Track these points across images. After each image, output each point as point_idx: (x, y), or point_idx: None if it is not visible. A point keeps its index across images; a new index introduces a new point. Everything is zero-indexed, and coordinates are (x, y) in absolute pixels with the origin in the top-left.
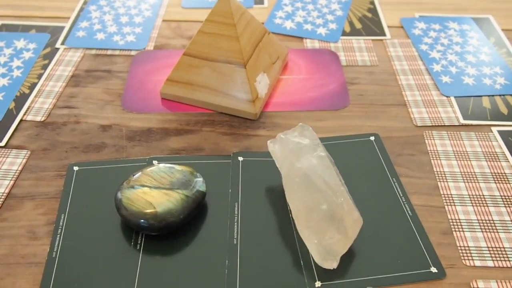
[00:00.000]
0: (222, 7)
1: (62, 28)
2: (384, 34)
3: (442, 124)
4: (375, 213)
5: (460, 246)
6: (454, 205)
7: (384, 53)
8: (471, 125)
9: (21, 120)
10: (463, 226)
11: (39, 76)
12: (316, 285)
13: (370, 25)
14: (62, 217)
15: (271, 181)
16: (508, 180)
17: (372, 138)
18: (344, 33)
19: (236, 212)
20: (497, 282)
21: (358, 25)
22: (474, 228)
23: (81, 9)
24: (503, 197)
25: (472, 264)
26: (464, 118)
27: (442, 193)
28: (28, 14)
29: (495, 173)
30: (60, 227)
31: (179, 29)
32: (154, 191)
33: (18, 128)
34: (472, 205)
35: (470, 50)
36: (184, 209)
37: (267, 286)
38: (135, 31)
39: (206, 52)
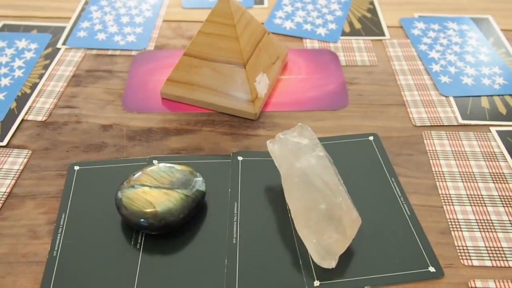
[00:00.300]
0: (222, 8)
1: (63, 28)
2: (383, 34)
3: (441, 124)
4: (374, 213)
5: (458, 246)
6: (453, 205)
7: (384, 53)
8: (470, 125)
9: (22, 120)
10: (461, 226)
11: (41, 76)
12: (315, 284)
13: (370, 25)
14: (63, 216)
15: (271, 181)
16: (507, 180)
17: (371, 138)
18: (344, 33)
19: (235, 212)
20: (495, 281)
21: (357, 25)
22: (472, 228)
23: (82, 9)
24: (502, 197)
25: (470, 263)
26: (463, 118)
27: (440, 193)
28: (29, 14)
29: (493, 173)
30: (61, 226)
31: (179, 29)
32: (154, 191)
33: (19, 127)
34: (471, 205)
35: (469, 50)
36: (184, 208)
37: (266, 285)
38: (135, 31)
39: (206, 52)
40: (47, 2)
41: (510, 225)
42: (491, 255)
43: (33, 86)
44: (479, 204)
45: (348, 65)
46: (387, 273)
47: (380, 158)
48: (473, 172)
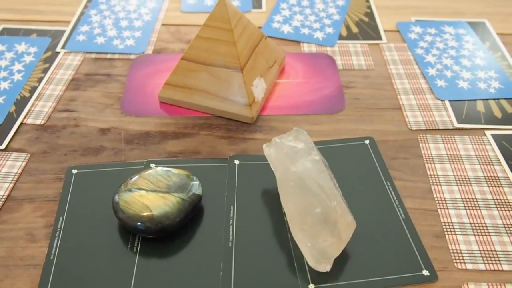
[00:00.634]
0: (220, 13)
1: (62, 32)
2: (380, 38)
3: (437, 128)
4: (369, 216)
5: (452, 249)
6: (447, 209)
7: (380, 57)
8: (465, 129)
9: (21, 123)
10: (456, 229)
11: (40, 80)
12: None
13: (367, 29)
14: (61, 219)
15: (267, 185)
16: (501, 184)
17: (367, 141)
18: (341, 37)
19: (231, 215)
20: (488, 285)
21: (354, 29)
22: (467, 232)
23: (82, 13)
24: (496, 201)
25: (464, 267)
26: (458, 122)
27: (435, 196)
28: (29, 18)
29: (488, 176)
30: (59, 229)
31: (178, 33)
32: (151, 194)
33: (18, 131)
34: (465, 209)
35: (465, 54)
36: (180, 212)
37: None
38: (134, 35)
39: (204, 56)
40: (46, 6)
41: (504, 228)
42: (485, 258)
43: (32, 90)
44: (474, 208)
45: (345, 69)
46: (382, 277)
47: (376, 162)
48: (468, 175)
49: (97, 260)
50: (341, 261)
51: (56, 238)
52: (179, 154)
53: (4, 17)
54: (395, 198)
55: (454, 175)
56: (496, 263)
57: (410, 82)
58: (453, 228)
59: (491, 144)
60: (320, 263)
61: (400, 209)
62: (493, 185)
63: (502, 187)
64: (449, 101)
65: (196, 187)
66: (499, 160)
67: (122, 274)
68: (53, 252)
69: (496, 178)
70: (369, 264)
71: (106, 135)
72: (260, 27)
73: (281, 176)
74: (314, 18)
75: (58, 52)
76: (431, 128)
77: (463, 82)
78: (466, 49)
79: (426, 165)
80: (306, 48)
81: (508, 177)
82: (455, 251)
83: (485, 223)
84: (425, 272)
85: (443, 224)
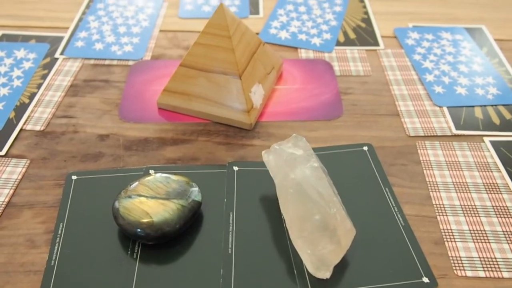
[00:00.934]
0: (218, 20)
1: (61, 38)
2: (377, 44)
3: (435, 134)
4: (368, 223)
5: (452, 256)
6: (446, 215)
7: (378, 63)
8: (464, 135)
9: (21, 130)
10: (455, 236)
11: (39, 86)
12: None
13: (364, 35)
14: (61, 225)
15: (266, 191)
16: (500, 190)
17: (365, 148)
18: (338, 43)
19: (231, 222)
20: None
21: (352, 35)
22: (466, 238)
23: (80, 20)
24: (495, 207)
25: (463, 274)
26: (457, 128)
27: (434, 203)
28: (28, 24)
29: (487, 183)
30: (59, 235)
31: (176, 39)
32: (151, 201)
33: (18, 137)
34: (464, 215)
35: (463, 60)
36: (180, 218)
37: None
38: (132, 41)
39: (202, 63)
40: (45, 12)
41: (503, 235)
42: (484, 265)
43: (32, 96)
44: (473, 215)
45: (342, 75)
46: (381, 284)
47: (374, 168)
48: (466, 182)
49: (97, 266)
50: (340, 268)
51: (57, 244)
52: (177, 161)
53: (3, 23)
54: (394, 205)
55: (452, 182)
56: (496, 270)
57: (408, 88)
58: (453, 235)
59: (489, 151)
60: (319, 270)
61: (399, 216)
62: (492, 192)
63: (501, 194)
64: (447, 107)
65: (195, 193)
66: (497, 167)
67: (122, 280)
68: (53, 258)
69: (495, 184)
70: (368, 271)
71: (105, 141)
72: (257, 33)
73: (280, 182)
74: (311, 24)
75: (57, 58)
76: (429, 134)
77: (461, 88)
78: (464, 55)
79: (424, 171)
80: (303, 54)
81: (507, 183)
82: (454, 258)
83: (484, 230)
84: (425, 279)
85: (442, 231)
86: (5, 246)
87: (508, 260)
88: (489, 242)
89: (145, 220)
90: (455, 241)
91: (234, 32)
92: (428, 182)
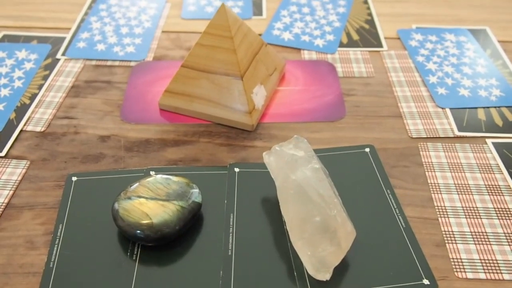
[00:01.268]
0: (220, 20)
1: (63, 39)
2: (381, 46)
3: (437, 136)
4: (369, 225)
5: (453, 258)
6: (448, 217)
7: (381, 65)
8: (466, 137)
9: (21, 131)
10: (456, 238)
11: (40, 87)
12: None
13: (367, 37)
14: (60, 227)
15: (267, 192)
16: (502, 192)
17: (367, 149)
18: (342, 45)
19: (231, 223)
20: None
21: (355, 37)
22: (467, 240)
23: (82, 20)
24: (497, 209)
25: (464, 276)
26: (459, 130)
27: (436, 205)
28: (29, 25)
29: (489, 185)
30: (58, 237)
31: (178, 40)
32: (151, 202)
33: (18, 138)
34: (466, 217)
35: (466, 61)
36: (180, 220)
37: None
38: (135, 42)
39: (204, 64)
40: (47, 12)
41: (505, 237)
42: (485, 268)
43: (33, 97)
44: (474, 217)
45: (345, 76)
46: (382, 286)
47: (376, 170)
48: (468, 184)
49: (96, 268)
50: (341, 270)
51: (56, 245)
52: (179, 162)
53: (4, 24)
54: (395, 207)
55: (454, 184)
56: (497, 272)
57: (410, 90)
58: (454, 237)
59: (492, 153)
60: (319, 272)
61: (401, 218)
62: (494, 193)
63: (503, 195)
64: (450, 109)
65: (195, 195)
66: (500, 169)
67: (121, 282)
68: (52, 259)
69: (497, 186)
70: (369, 273)
71: (106, 143)
72: (260, 34)
73: (281, 184)
74: (314, 25)
75: (59, 59)
76: (431, 136)
77: (464, 90)
78: (467, 56)
79: (426, 173)
80: (306, 55)
81: (509, 185)
82: (455, 260)
83: (485, 232)
84: (426, 281)
85: (443, 232)
86: (4, 247)
87: (509, 262)
88: (490, 244)
89: (144, 222)
90: (456, 243)
91: (236, 33)
92: (430, 184)
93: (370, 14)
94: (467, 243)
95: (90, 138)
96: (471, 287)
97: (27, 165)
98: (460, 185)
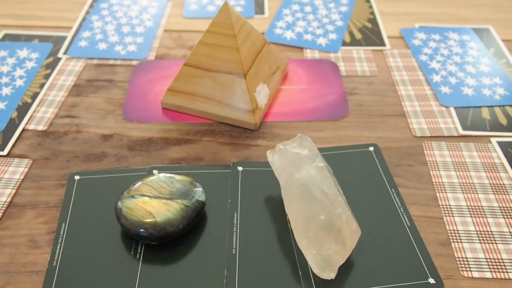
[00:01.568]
0: (222, 19)
1: (64, 37)
2: (384, 45)
3: (441, 135)
4: (374, 224)
5: (458, 257)
6: (453, 216)
7: (384, 64)
8: (470, 136)
9: (23, 130)
10: (462, 237)
11: (41, 86)
12: None
13: (370, 36)
14: (63, 226)
15: (271, 191)
16: (507, 191)
17: (371, 148)
18: (344, 43)
19: (235, 222)
20: None
21: (358, 36)
22: (473, 239)
23: (83, 19)
24: (502, 208)
25: (470, 275)
26: (463, 129)
27: (440, 204)
28: (31, 24)
29: (494, 184)
30: (61, 236)
31: (180, 39)
32: (154, 201)
33: (20, 137)
34: (471, 216)
35: (470, 60)
36: (184, 219)
37: None
38: (136, 41)
39: (207, 62)
40: (48, 11)
41: (510, 236)
42: (491, 266)
43: (34, 96)
44: (479, 216)
45: (348, 75)
46: (387, 285)
47: (380, 169)
48: (473, 183)
49: (100, 266)
50: (346, 269)
51: (59, 244)
52: (181, 161)
53: (6, 22)
54: (400, 206)
55: (459, 183)
56: (503, 271)
57: (414, 89)
58: (459, 236)
59: (496, 152)
60: (324, 271)
61: (405, 217)
62: (499, 192)
63: (508, 194)
64: (454, 107)
65: (199, 193)
66: (504, 168)
67: (125, 280)
68: (55, 258)
69: (502, 185)
70: (374, 272)
71: (108, 141)
72: (263, 33)
73: (285, 183)
74: (317, 24)
75: (60, 58)
76: (435, 135)
77: (467, 88)
78: (471, 55)
79: (431, 172)
80: (309, 54)
81: None
82: (461, 259)
83: (491, 231)
84: (431, 280)
85: (448, 232)
86: (7, 246)
87: None
88: (495, 243)
89: (148, 220)
90: (461, 242)
91: (239, 31)
92: (434, 183)
93: (372, 13)
94: (472, 242)
95: (92, 137)
96: (477, 286)
97: (29, 164)
98: (464, 184)
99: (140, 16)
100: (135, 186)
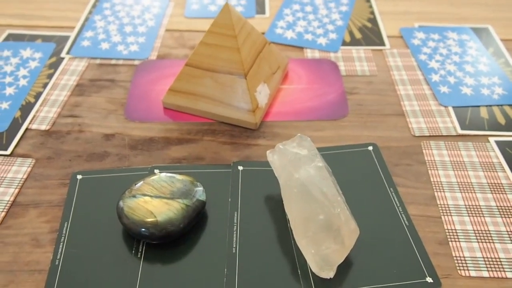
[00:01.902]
0: (223, 19)
1: (67, 37)
2: (383, 44)
3: (440, 134)
4: (372, 223)
5: (456, 257)
6: (451, 215)
7: (383, 63)
8: (469, 135)
9: (26, 129)
10: (459, 236)
11: (45, 85)
12: None
13: (370, 35)
14: (65, 225)
15: (271, 191)
16: (505, 191)
17: (370, 148)
18: (344, 43)
19: (235, 221)
20: None
21: (358, 35)
22: (470, 239)
23: (86, 19)
24: (500, 208)
25: (467, 274)
26: (462, 128)
27: (438, 203)
28: (34, 23)
29: (491, 183)
30: (63, 235)
31: (182, 38)
32: (155, 200)
33: (23, 136)
34: (469, 216)
35: (469, 60)
36: (184, 218)
37: None
38: (138, 41)
39: (208, 62)
40: (52, 11)
41: (508, 235)
42: (488, 266)
43: (37, 95)
44: (477, 215)
45: (348, 75)
46: (385, 284)
47: (379, 168)
48: (471, 182)
49: (101, 265)
50: (344, 268)
51: (61, 243)
52: (182, 160)
53: (9, 22)
54: (398, 205)
55: (457, 182)
56: (500, 271)
57: (413, 88)
58: (457, 235)
59: (494, 151)
60: (323, 270)
61: (404, 216)
62: (496, 192)
63: (506, 194)
64: (453, 107)
65: (200, 193)
66: (502, 167)
67: (126, 279)
68: (58, 257)
69: (500, 185)
70: (372, 271)
71: (110, 141)
72: (263, 33)
73: (284, 182)
74: (317, 24)
75: (63, 58)
76: (434, 134)
77: (466, 88)
78: (470, 55)
79: (429, 171)
80: (309, 54)
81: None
82: (458, 258)
83: (488, 230)
84: (429, 279)
85: (446, 231)
86: (10, 245)
87: None
88: (493, 242)
89: (149, 220)
90: (459, 241)
91: (239, 32)
92: (433, 182)
93: (372, 13)
94: (470, 241)
95: (95, 136)
96: (474, 285)
97: (32, 163)
98: (463, 183)
99: (142, 16)
100: (136, 185)
